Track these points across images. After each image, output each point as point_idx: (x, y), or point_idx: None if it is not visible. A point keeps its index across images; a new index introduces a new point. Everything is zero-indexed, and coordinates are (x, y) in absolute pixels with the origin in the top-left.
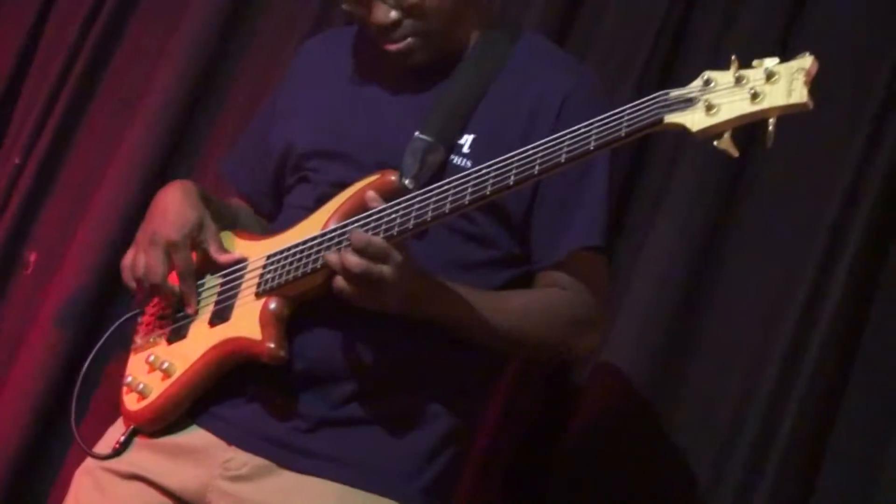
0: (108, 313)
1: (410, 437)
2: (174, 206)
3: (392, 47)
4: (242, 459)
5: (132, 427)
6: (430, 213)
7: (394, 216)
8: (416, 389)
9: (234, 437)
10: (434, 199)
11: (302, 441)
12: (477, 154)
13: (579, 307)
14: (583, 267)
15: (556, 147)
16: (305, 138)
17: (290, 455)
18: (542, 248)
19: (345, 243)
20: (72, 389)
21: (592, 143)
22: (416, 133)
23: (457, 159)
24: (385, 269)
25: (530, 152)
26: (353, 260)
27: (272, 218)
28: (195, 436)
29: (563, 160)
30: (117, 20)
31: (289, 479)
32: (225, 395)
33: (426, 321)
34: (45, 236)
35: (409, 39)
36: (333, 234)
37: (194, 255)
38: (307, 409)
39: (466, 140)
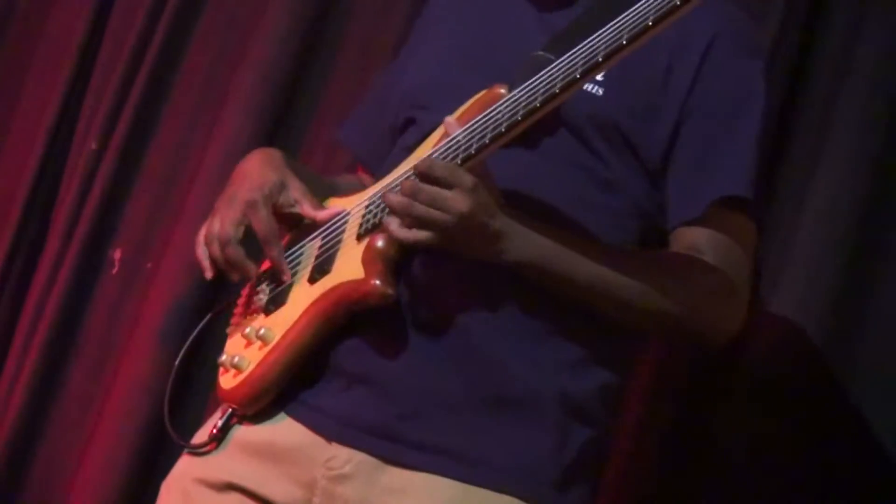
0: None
1: (535, 421)
2: (255, 168)
3: None
4: (344, 456)
5: (229, 410)
6: (520, 113)
7: (475, 131)
8: (537, 362)
9: (334, 431)
10: (523, 99)
11: (408, 430)
12: (609, 81)
13: (719, 278)
14: (727, 228)
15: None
16: (417, 75)
17: (396, 448)
18: (678, 199)
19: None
20: (180, 405)
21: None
22: (538, 51)
23: (586, 84)
24: (449, 196)
25: (617, 23)
26: (408, 186)
27: None
28: (291, 432)
29: (650, 24)
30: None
31: (397, 476)
32: (321, 381)
33: (524, 273)
34: (131, 231)
35: None
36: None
37: (285, 223)
38: (412, 392)
39: None
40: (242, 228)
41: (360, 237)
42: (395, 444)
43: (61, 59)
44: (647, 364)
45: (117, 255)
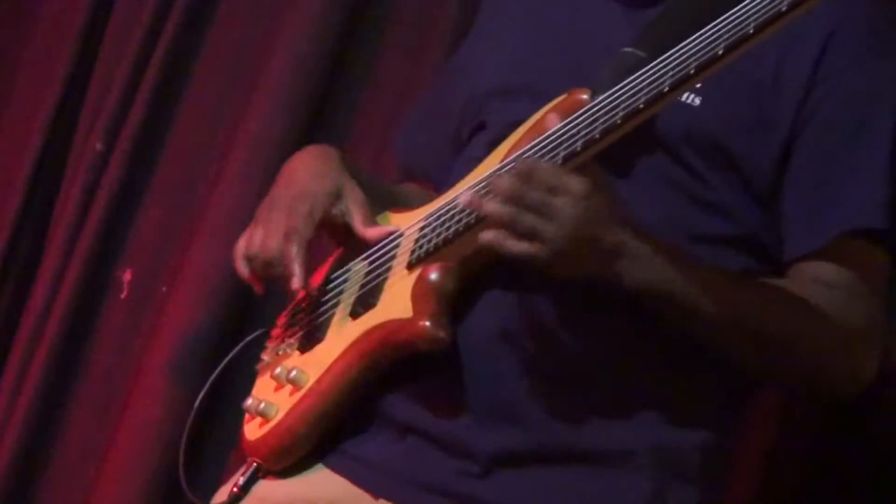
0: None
1: (625, 476)
2: (306, 171)
3: None
4: None
5: (254, 465)
6: (619, 116)
7: (573, 131)
8: (628, 410)
9: (384, 486)
10: (624, 97)
11: (477, 489)
12: (709, 88)
13: (849, 314)
14: (854, 260)
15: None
16: (486, 77)
17: None
18: (797, 227)
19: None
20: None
21: None
22: (626, 49)
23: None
24: (558, 203)
25: (714, 28)
26: (509, 187)
27: None
28: (328, 485)
29: (752, 31)
30: None
31: None
32: (366, 429)
33: (633, 298)
34: (143, 248)
35: None
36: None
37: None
38: (478, 443)
39: None
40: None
41: (411, 266)
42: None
43: (59, 44)
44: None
45: (126, 276)
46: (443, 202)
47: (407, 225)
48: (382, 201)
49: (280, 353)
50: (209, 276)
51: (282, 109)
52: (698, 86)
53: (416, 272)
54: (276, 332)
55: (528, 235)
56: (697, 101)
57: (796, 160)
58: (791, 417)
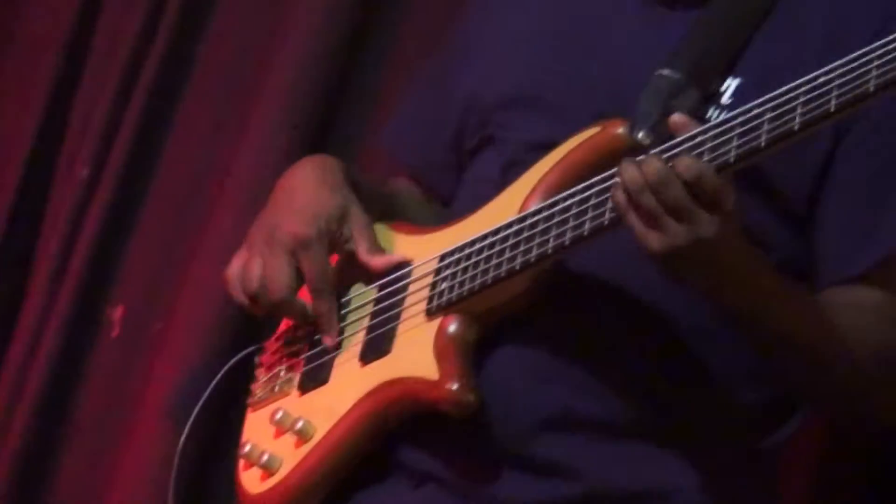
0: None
1: None
2: (306, 188)
3: None
4: None
5: None
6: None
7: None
8: (673, 453)
9: None
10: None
11: None
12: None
13: (891, 339)
14: (893, 284)
15: None
16: (494, 82)
17: None
18: (834, 251)
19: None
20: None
21: None
22: (661, 70)
23: (712, 111)
24: (706, 219)
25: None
26: (678, 195)
27: (451, 201)
28: None
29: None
30: None
31: None
32: (378, 478)
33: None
34: (134, 283)
35: None
36: (538, 217)
37: (334, 259)
38: (499, 491)
39: (729, 86)
40: (295, 274)
41: (430, 313)
42: None
43: (41, 60)
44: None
45: (117, 313)
46: (463, 238)
47: (416, 253)
48: (382, 210)
49: (277, 390)
50: (205, 311)
51: (283, 126)
52: (728, 101)
53: (436, 322)
54: (265, 358)
55: (657, 226)
56: None
57: (833, 180)
58: (838, 444)
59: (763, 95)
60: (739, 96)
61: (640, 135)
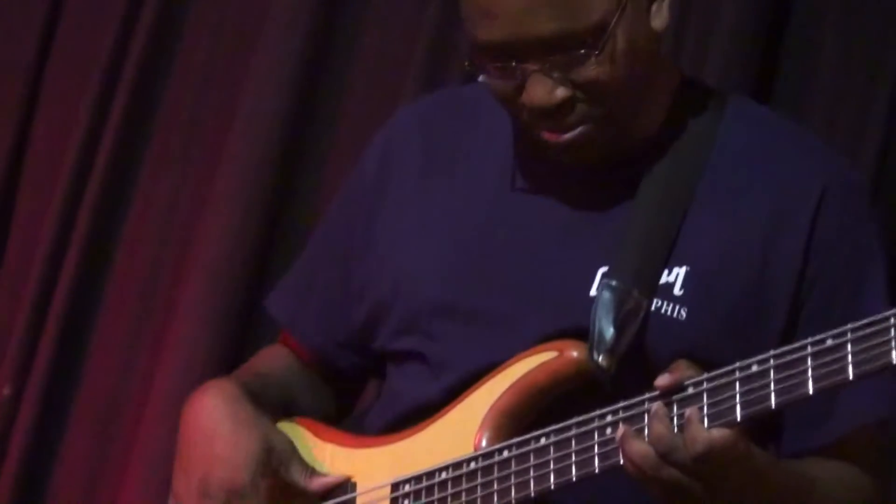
0: None
1: None
2: (222, 431)
3: (556, 137)
4: None
5: None
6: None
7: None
8: None
9: None
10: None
11: None
12: (694, 297)
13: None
14: (864, 443)
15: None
16: (422, 284)
17: None
18: (798, 421)
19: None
20: None
21: None
22: (602, 275)
23: (666, 307)
24: (686, 483)
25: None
26: (686, 461)
27: (350, 373)
28: None
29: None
30: (164, 26)
31: None
32: None
33: None
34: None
35: (582, 127)
36: (507, 456)
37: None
38: None
39: (676, 276)
40: None
41: None
42: None
43: None
44: None
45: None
46: (407, 461)
47: (355, 471)
48: (275, 408)
49: None
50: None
51: (250, 167)
52: (679, 293)
53: None
54: None
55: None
56: (684, 314)
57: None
58: None
59: (711, 282)
60: (689, 286)
61: (600, 358)
